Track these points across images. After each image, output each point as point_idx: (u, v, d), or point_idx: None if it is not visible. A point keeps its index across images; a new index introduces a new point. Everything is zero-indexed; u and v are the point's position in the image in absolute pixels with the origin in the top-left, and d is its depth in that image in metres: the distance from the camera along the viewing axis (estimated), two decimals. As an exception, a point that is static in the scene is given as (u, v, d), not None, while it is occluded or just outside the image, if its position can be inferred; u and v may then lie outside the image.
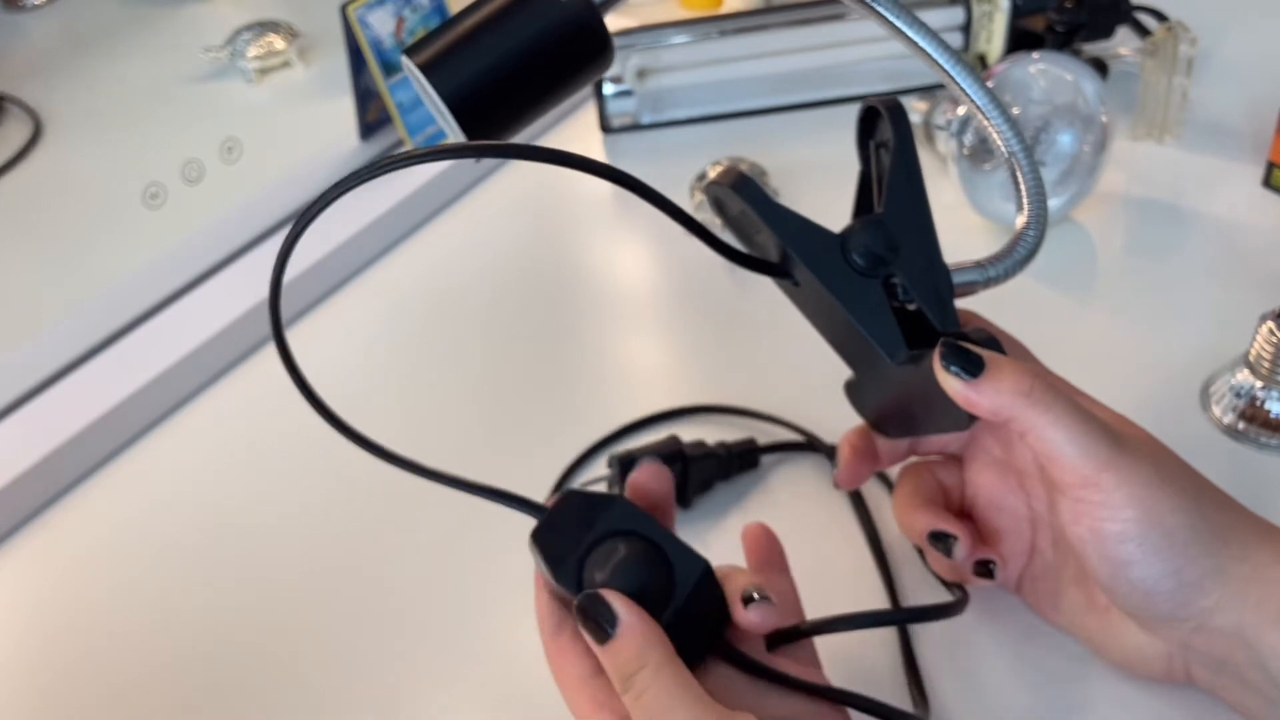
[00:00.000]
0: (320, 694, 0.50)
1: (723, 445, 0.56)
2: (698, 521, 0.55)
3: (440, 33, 0.40)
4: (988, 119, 0.44)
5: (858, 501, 0.54)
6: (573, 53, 0.41)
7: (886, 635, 0.48)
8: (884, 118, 0.44)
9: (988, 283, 0.44)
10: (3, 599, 0.57)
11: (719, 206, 0.46)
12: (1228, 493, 0.41)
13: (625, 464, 0.54)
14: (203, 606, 0.55)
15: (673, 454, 0.54)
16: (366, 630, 0.52)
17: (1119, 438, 0.39)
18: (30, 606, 0.56)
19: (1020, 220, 0.44)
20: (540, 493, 0.57)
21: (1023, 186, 0.44)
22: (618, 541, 0.40)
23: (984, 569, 0.45)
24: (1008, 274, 0.44)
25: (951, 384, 0.40)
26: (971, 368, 0.39)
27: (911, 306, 0.42)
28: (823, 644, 0.43)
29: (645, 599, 0.38)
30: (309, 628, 0.53)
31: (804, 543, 0.48)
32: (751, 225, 0.44)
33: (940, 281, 0.42)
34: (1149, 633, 0.42)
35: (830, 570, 0.51)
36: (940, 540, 0.45)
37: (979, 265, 0.44)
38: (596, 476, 0.57)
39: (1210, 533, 0.39)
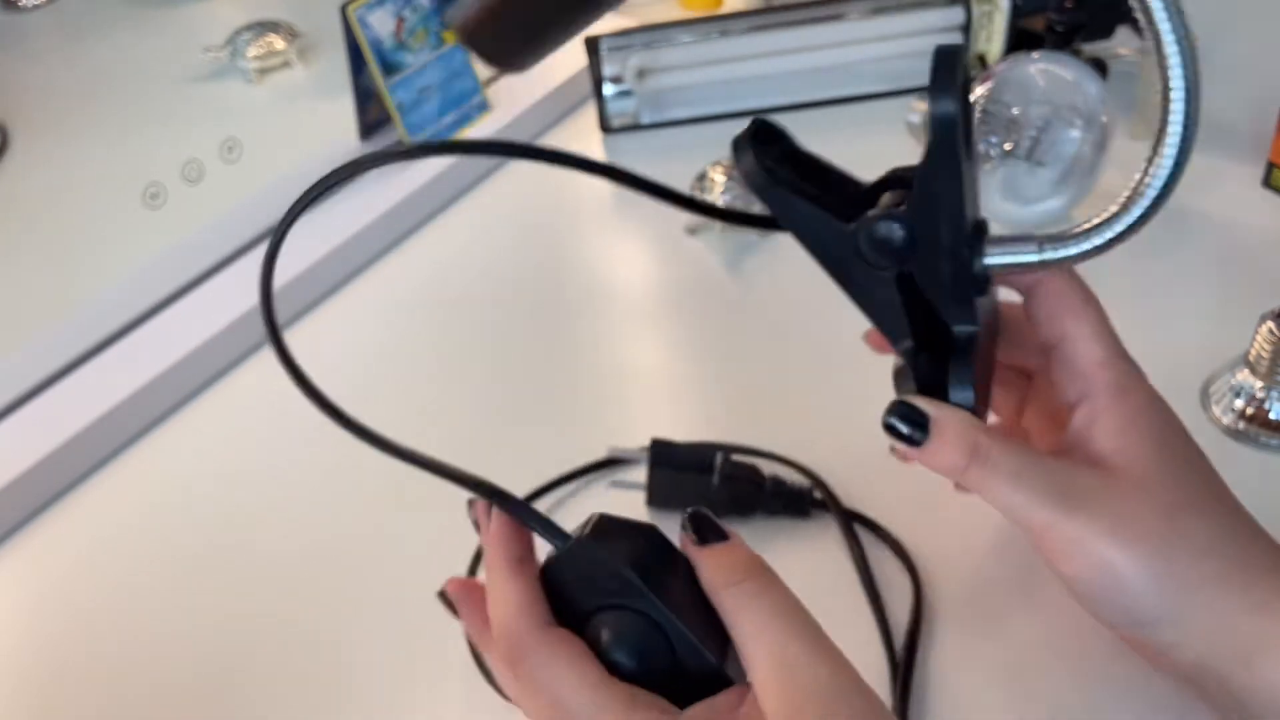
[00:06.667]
0: (322, 691, 0.50)
1: (776, 480, 0.53)
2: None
3: None
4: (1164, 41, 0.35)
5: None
6: None
7: (879, 656, 0.48)
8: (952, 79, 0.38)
9: (1045, 266, 0.40)
10: (3, 599, 0.57)
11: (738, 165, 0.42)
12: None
13: (660, 451, 0.54)
14: (203, 606, 0.54)
15: (707, 463, 0.53)
16: (370, 629, 0.52)
17: (1070, 495, 0.38)
18: (30, 606, 0.56)
19: (1136, 182, 0.37)
20: (539, 487, 0.57)
21: (1168, 135, 0.36)
22: (633, 617, 0.35)
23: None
24: (1074, 258, 0.39)
25: (895, 444, 0.40)
26: (917, 432, 0.39)
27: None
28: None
29: (644, 682, 0.35)
30: (310, 626, 0.53)
31: (828, 615, 0.47)
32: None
33: (960, 277, 0.39)
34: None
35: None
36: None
37: (1036, 245, 0.40)
38: (634, 449, 0.55)
39: (1173, 585, 0.38)
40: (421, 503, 0.58)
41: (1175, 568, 0.38)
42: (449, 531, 0.56)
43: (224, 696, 0.50)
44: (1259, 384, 0.54)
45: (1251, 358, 0.55)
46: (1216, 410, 0.56)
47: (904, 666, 0.47)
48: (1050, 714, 0.45)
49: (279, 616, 0.53)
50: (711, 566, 0.36)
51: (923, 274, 0.40)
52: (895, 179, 0.41)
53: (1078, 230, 0.39)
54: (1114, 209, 0.38)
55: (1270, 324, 0.53)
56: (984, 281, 0.41)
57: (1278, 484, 0.53)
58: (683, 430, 0.58)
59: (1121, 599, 0.38)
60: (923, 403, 0.40)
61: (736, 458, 0.54)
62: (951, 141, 0.38)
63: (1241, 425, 0.55)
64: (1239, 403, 0.55)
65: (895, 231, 0.39)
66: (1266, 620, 0.37)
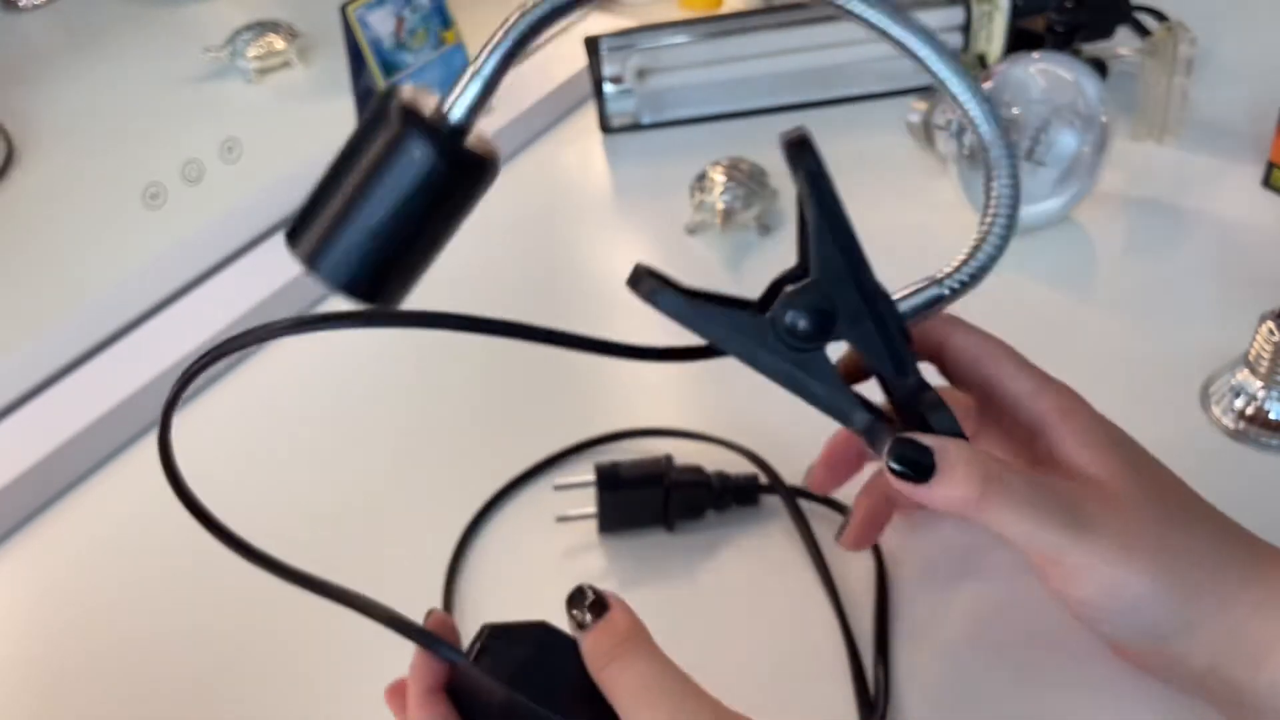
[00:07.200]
0: (322, 690, 0.50)
1: (721, 475, 0.54)
2: (681, 547, 0.53)
3: (310, 218, 0.39)
4: (962, 103, 0.41)
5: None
6: (449, 195, 0.40)
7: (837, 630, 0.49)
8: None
9: (955, 295, 0.41)
10: (3, 599, 0.57)
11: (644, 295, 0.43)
12: (1215, 522, 0.40)
13: (607, 476, 0.53)
14: (203, 606, 0.54)
15: (654, 475, 0.53)
16: (370, 628, 0.52)
17: (1080, 516, 0.38)
18: (31, 606, 0.56)
19: (986, 217, 0.41)
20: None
21: (996, 182, 0.40)
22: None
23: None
24: (973, 280, 0.41)
25: (901, 486, 0.39)
26: (922, 472, 0.38)
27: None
28: (778, 676, 0.42)
29: None
30: (311, 626, 0.53)
31: (787, 598, 0.47)
32: None
33: (889, 329, 0.40)
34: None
35: (802, 634, 0.49)
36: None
37: (936, 282, 0.41)
38: (580, 480, 0.55)
39: (1181, 595, 0.38)
40: (421, 503, 0.58)
41: (1180, 578, 0.38)
42: (446, 532, 0.56)
43: (223, 696, 0.50)
44: (1259, 384, 0.54)
45: (1251, 358, 0.55)
46: (1216, 410, 0.56)
47: (876, 634, 0.48)
48: (1020, 674, 0.46)
49: (279, 616, 0.53)
50: (587, 652, 0.37)
51: (854, 339, 0.40)
52: (784, 279, 0.42)
53: (959, 260, 0.41)
54: (980, 235, 0.41)
55: (1270, 324, 0.53)
56: (907, 332, 0.41)
57: (1278, 484, 0.53)
58: (678, 446, 0.58)
59: (1134, 617, 0.39)
60: (923, 436, 0.39)
61: (681, 463, 0.54)
62: (831, 194, 0.38)
63: (1241, 425, 0.55)
64: (1239, 403, 0.55)
65: (807, 301, 0.39)
66: (1268, 619, 0.38)
